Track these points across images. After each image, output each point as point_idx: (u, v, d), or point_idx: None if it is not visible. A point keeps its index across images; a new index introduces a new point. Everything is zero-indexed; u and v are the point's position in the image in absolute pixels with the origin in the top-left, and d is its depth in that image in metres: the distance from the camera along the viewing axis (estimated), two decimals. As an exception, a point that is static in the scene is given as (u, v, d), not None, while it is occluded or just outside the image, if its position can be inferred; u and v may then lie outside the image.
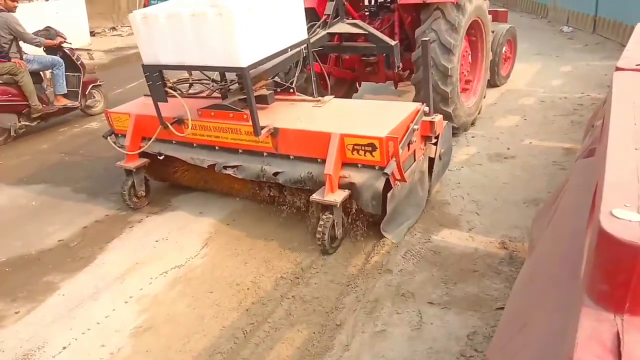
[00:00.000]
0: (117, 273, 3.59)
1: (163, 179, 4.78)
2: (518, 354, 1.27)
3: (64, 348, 2.92)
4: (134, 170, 4.33)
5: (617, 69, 2.07)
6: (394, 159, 3.26)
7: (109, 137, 4.49)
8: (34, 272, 3.74)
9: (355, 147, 3.35)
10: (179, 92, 4.00)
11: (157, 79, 3.74)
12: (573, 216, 1.64)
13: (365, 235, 3.68)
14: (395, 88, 6.22)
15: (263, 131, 3.54)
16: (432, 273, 3.21)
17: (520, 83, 7.06)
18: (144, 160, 4.35)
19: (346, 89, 6.28)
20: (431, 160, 3.97)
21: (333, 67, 5.74)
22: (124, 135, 4.37)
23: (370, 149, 3.30)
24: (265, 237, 3.82)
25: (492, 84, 6.63)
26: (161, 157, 4.24)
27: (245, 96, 3.73)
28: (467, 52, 5.45)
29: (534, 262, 1.80)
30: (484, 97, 5.90)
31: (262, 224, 4.01)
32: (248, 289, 3.26)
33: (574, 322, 0.96)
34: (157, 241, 3.95)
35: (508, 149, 4.95)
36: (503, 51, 6.75)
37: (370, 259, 3.43)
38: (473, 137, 5.30)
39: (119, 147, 4.38)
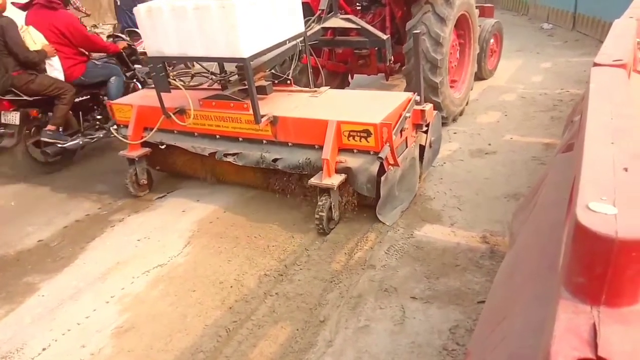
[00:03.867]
0: (98, 273, 3.55)
1: (162, 169, 4.89)
2: (498, 346, 1.28)
3: (44, 349, 2.88)
4: (136, 159, 4.46)
5: (595, 64, 2.09)
6: (388, 144, 3.43)
7: (111, 128, 4.61)
8: (13, 272, 3.68)
9: (351, 133, 3.51)
10: (181, 83, 4.12)
11: (160, 70, 3.85)
12: (552, 210, 1.66)
13: (349, 231, 3.69)
14: (387, 80, 6.39)
15: (263, 119, 3.69)
16: (414, 268, 3.22)
17: (501, 79, 7.13)
18: (145, 150, 4.48)
19: (339, 81, 6.39)
20: (422, 148, 4.12)
21: (326, 60, 5.87)
22: (125, 126, 4.50)
23: (365, 134, 3.46)
24: (249, 235, 3.80)
25: (479, 76, 6.78)
26: (163, 147, 4.36)
27: (244, 87, 3.94)
28: (455, 43, 5.57)
29: (514, 256, 1.82)
30: (471, 88, 6.08)
31: (245, 222, 3.99)
32: (231, 286, 3.25)
33: (551, 314, 0.97)
34: (138, 240, 3.91)
35: (489, 144, 4.99)
36: (490, 45, 6.86)
37: (353, 254, 3.43)
38: (455, 133, 5.34)
39: (121, 137, 4.48)
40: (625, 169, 1.10)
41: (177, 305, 3.13)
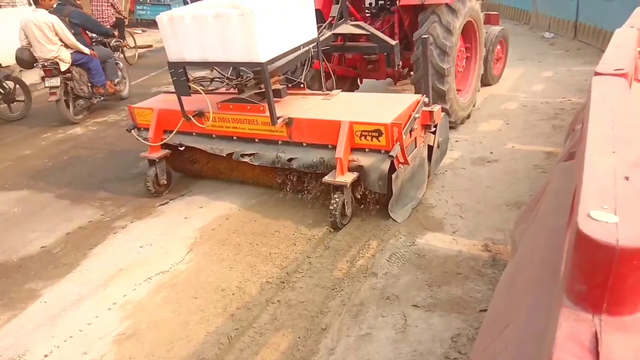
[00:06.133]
0: (100, 279, 3.55)
1: (180, 170, 5.07)
2: (500, 354, 1.29)
3: (46, 356, 2.88)
4: (157, 160, 4.62)
5: (596, 73, 2.10)
6: (398, 143, 3.56)
7: (132, 131, 4.76)
8: (15, 279, 3.69)
9: (363, 133, 3.67)
10: (201, 87, 4.29)
11: (181, 75, 4.00)
12: (553, 218, 1.66)
13: (350, 239, 3.70)
14: (395, 85, 6.55)
15: (279, 121, 3.85)
16: (416, 276, 3.22)
17: (503, 88, 7.15)
18: (165, 151, 4.66)
19: (348, 86, 6.50)
20: (430, 148, 4.24)
21: (336, 65, 6.01)
22: (146, 129, 4.68)
23: (376, 134, 3.62)
24: (251, 242, 3.81)
25: (485, 82, 6.86)
26: (182, 148, 4.51)
27: (260, 90, 4.18)
28: (461, 50, 5.69)
29: (515, 264, 1.82)
30: (474, 105, 6.15)
31: (247, 229, 4.00)
32: (233, 294, 3.25)
33: (553, 323, 0.98)
34: (141, 247, 3.92)
35: (491, 153, 5.00)
36: (495, 52, 6.95)
37: (355, 262, 3.43)
38: (457, 141, 5.35)
39: (142, 139, 4.64)
40: (627, 178, 1.11)
41: (179, 313, 3.13)
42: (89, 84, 7.34)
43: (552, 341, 0.91)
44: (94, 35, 7.78)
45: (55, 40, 6.82)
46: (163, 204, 4.60)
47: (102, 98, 7.66)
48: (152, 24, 17.55)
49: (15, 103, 7.95)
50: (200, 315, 3.09)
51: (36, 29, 6.71)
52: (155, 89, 8.97)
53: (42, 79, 7.01)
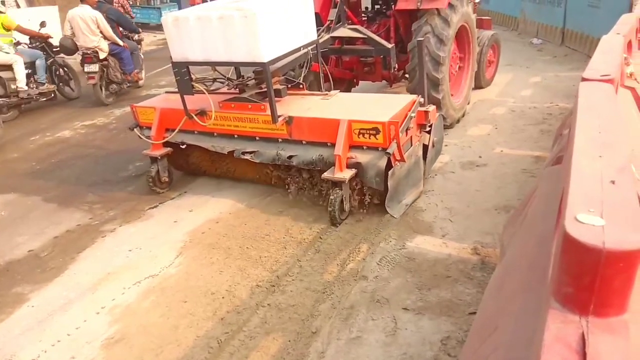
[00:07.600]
0: (88, 283, 3.52)
1: (180, 168, 5.14)
2: (489, 357, 1.29)
3: (33, 361, 2.85)
4: (159, 158, 4.71)
5: (583, 79, 2.13)
6: (395, 141, 3.68)
7: (135, 129, 4.82)
8: (2, 283, 3.65)
9: (361, 131, 3.78)
10: (204, 86, 4.36)
11: (184, 74, 4.08)
12: (541, 222, 1.68)
13: (341, 242, 3.70)
14: (391, 87, 6.66)
15: (280, 119, 3.94)
16: (406, 279, 3.23)
17: (491, 93, 7.22)
18: (167, 149, 4.74)
19: (344, 87, 6.58)
20: (425, 148, 4.34)
21: (333, 67, 6.10)
22: (148, 128, 4.74)
23: (374, 132, 3.73)
24: (241, 246, 3.80)
25: (477, 85, 6.98)
26: (183, 146, 4.59)
27: (261, 90, 4.30)
28: (455, 54, 5.81)
29: (504, 267, 1.84)
30: (468, 102, 6.31)
31: (237, 233, 3.99)
32: (223, 297, 3.24)
33: (541, 325, 0.99)
34: (130, 251, 3.89)
35: (480, 157, 5.04)
36: (487, 55, 7.05)
37: (345, 265, 3.44)
38: (446, 145, 5.37)
39: (145, 137, 4.71)
40: (613, 182, 1.12)
41: (168, 316, 3.12)
42: (121, 71, 8.43)
43: (540, 343, 0.92)
44: (121, 29, 8.77)
45: (97, 32, 7.94)
46: (152, 208, 4.58)
47: (129, 84, 8.73)
48: (142, 27, 17.51)
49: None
50: (189, 319, 3.07)
51: (81, 22, 7.81)
52: (144, 93, 8.96)
53: (82, 64, 8.06)
